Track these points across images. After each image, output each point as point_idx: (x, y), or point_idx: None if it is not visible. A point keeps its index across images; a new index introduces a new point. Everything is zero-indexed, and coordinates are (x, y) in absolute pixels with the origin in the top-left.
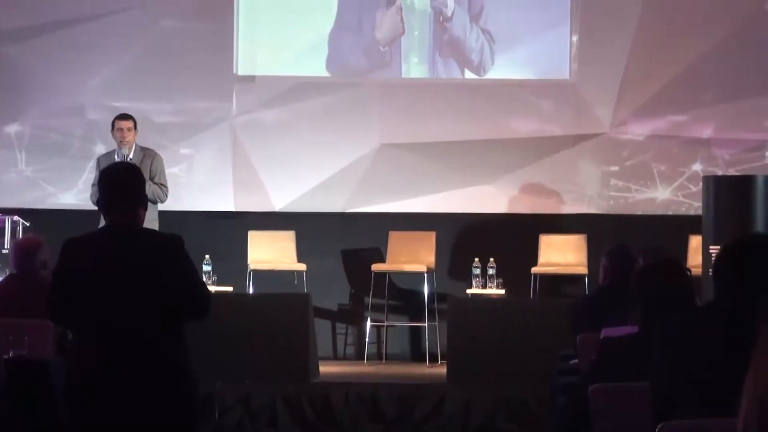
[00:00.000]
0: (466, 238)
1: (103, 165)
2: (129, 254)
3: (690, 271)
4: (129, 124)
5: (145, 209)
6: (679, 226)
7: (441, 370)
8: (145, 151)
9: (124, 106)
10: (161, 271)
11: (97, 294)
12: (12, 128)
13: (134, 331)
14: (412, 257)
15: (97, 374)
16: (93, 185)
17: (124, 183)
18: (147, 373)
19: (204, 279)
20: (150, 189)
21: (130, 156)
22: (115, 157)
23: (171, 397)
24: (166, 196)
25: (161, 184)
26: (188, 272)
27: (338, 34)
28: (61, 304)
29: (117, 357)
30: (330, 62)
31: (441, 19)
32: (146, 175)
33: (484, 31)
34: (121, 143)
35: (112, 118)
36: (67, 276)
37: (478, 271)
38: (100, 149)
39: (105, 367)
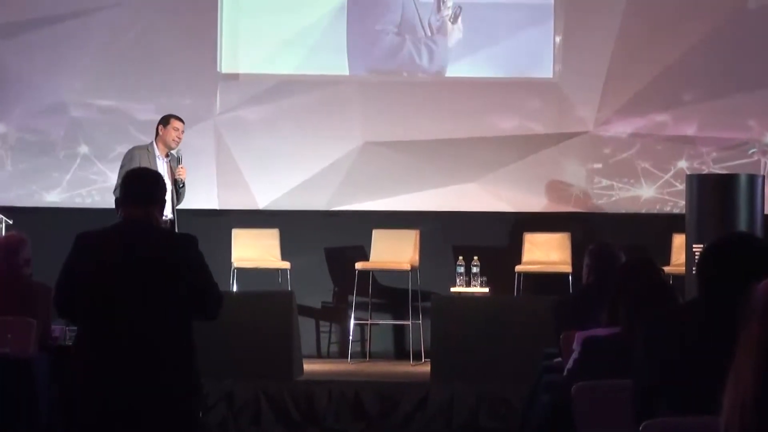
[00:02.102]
0: (450, 236)
1: (141, 158)
2: (141, 250)
3: (663, 271)
4: (184, 126)
5: (161, 212)
6: (663, 225)
7: (425, 368)
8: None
9: (108, 105)
10: (173, 269)
11: (106, 289)
12: None
13: (141, 327)
14: (396, 255)
15: (102, 370)
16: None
17: (144, 182)
18: (152, 371)
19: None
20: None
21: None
22: (157, 153)
23: (174, 396)
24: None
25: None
26: (201, 272)
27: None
28: (68, 297)
29: (122, 353)
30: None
31: (452, 21)
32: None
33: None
34: (173, 142)
35: (164, 115)
36: (76, 269)
37: (462, 269)
38: (84, 148)
39: (109, 362)
